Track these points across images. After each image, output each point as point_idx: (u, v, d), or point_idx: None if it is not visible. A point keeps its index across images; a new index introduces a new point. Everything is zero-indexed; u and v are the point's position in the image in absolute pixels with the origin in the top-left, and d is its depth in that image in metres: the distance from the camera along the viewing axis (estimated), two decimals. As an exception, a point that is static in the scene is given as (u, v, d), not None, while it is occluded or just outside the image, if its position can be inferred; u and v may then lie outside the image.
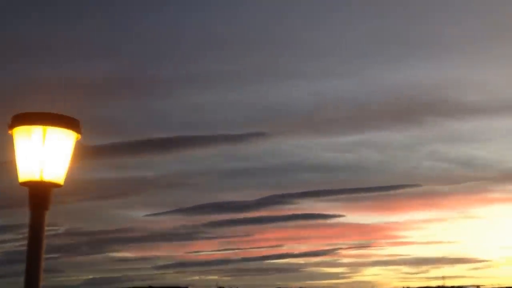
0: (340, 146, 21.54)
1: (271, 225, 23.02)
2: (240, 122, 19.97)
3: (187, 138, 20.34)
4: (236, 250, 23.04)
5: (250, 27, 18.64)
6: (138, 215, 22.73)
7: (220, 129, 19.63)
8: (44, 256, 2.86)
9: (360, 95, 19.59)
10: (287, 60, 18.55)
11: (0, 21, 15.56)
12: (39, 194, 2.84)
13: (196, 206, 22.17)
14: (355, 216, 23.11)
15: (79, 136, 2.93)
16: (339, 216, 22.16)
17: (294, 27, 18.72)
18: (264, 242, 22.93)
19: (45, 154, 2.82)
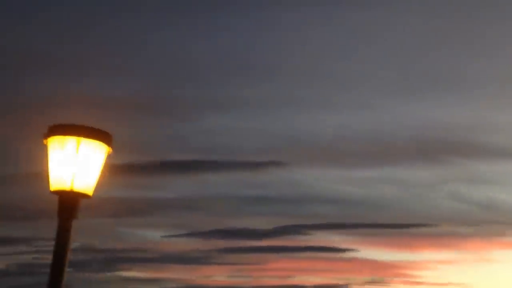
0: (359, 180, 21.32)
1: (284, 255, 22.73)
2: (259, 150, 19.95)
3: (207, 162, 20.28)
4: (248, 278, 22.99)
5: (276, 53, 18.73)
6: (154, 236, 22.74)
7: (239, 155, 19.66)
8: (68, 263, 2.95)
9: (383, 129, 19.45)
10: (311, 89, 18.59)
11: (33, 37, 15.88)
12: (69, 203, 2.95)
13: (211, 230, 22.07)
14: (369, 252, 22.74)
15: (111, 150, 3.05)
16: (353, 250, 21.82)
17: (321, 56, 18.80)
18: (276, 271, 22.83)
19: (77, 164, 2.93)
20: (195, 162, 19.81)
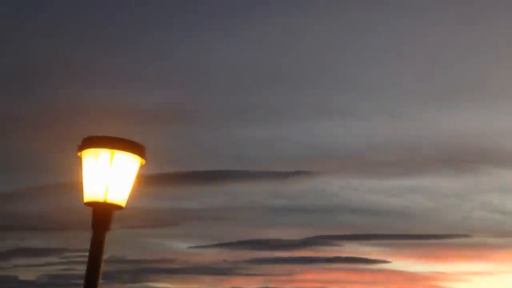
0: (388, 189, 21.06)
1: (313, 266, 22.52)
2: (287, 159, 19.85)
3: (233, 172, 20.26)
4: (276, 289, 22.78)
5: (303, 63, 18.68)
6: (181, 247, 22.76)
7: (266, 165, 19.57)
8: (101, 274, 2.96)
9: (412, 138, 19.16)
10: (339, 98, 18.45)
11: (56, 45, 16.11)
12: (102, 214, 2.96)
13: (239, 241, 22.02)
14: (401, 263, 22.34)
15: (144, 161, 3.06)
16: (385, 262, 21.52)
17: (348, 65, 18.70)
18: (305, 283, 22.59)
19: (111, 176, 2.94)
20: (223, 172, 19.82)
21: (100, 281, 2.95)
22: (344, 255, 21.43)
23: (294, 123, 19.50)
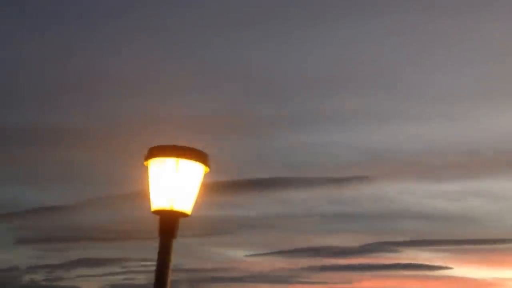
0: (448, 193, 20.51)
1: (372, 274, 22.15)
2: (343, 165, 19.61)
3: (290, 179, 20.18)
4: (335, 297, 22.42)
5: (358, 67, 18.48)
6: (238, 255, 22.83)
7: (323, 171, 19.40)
8: (170, 282, 3.00)
9: (472, 140, 18.61)
10: (396, 102, 18.15)
11: (118, 57, 16.53)
12: (169, 222, 3.00)
13: (296, 249, 21.89)
14: (463, 269, 21.69)
15: (208, 169, 3.08)
16: (446, 268, 20.95)
17: (404, 68, 18.40)
18: (364, 290, 22.21)
19: (177, 184, 2.98)
20: (280, 179, 19.79)
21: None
22: (403, 261, 21.00)
23: (351, 128, 19.30)
